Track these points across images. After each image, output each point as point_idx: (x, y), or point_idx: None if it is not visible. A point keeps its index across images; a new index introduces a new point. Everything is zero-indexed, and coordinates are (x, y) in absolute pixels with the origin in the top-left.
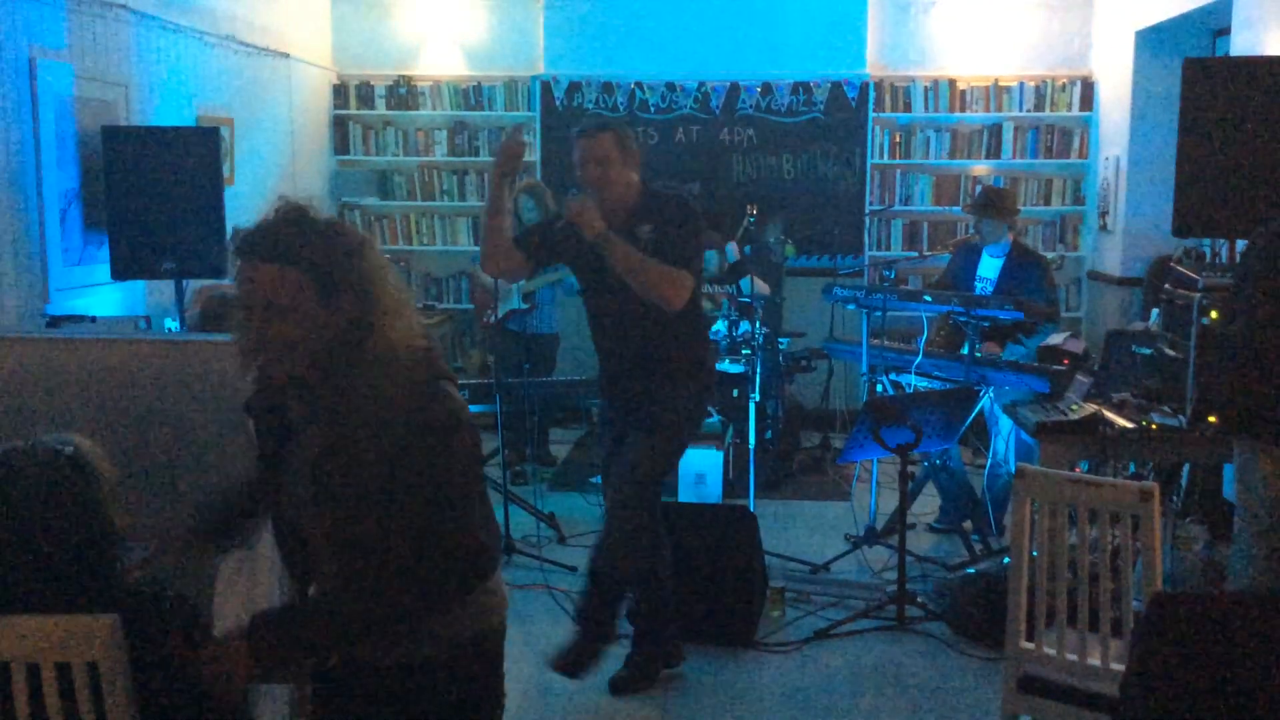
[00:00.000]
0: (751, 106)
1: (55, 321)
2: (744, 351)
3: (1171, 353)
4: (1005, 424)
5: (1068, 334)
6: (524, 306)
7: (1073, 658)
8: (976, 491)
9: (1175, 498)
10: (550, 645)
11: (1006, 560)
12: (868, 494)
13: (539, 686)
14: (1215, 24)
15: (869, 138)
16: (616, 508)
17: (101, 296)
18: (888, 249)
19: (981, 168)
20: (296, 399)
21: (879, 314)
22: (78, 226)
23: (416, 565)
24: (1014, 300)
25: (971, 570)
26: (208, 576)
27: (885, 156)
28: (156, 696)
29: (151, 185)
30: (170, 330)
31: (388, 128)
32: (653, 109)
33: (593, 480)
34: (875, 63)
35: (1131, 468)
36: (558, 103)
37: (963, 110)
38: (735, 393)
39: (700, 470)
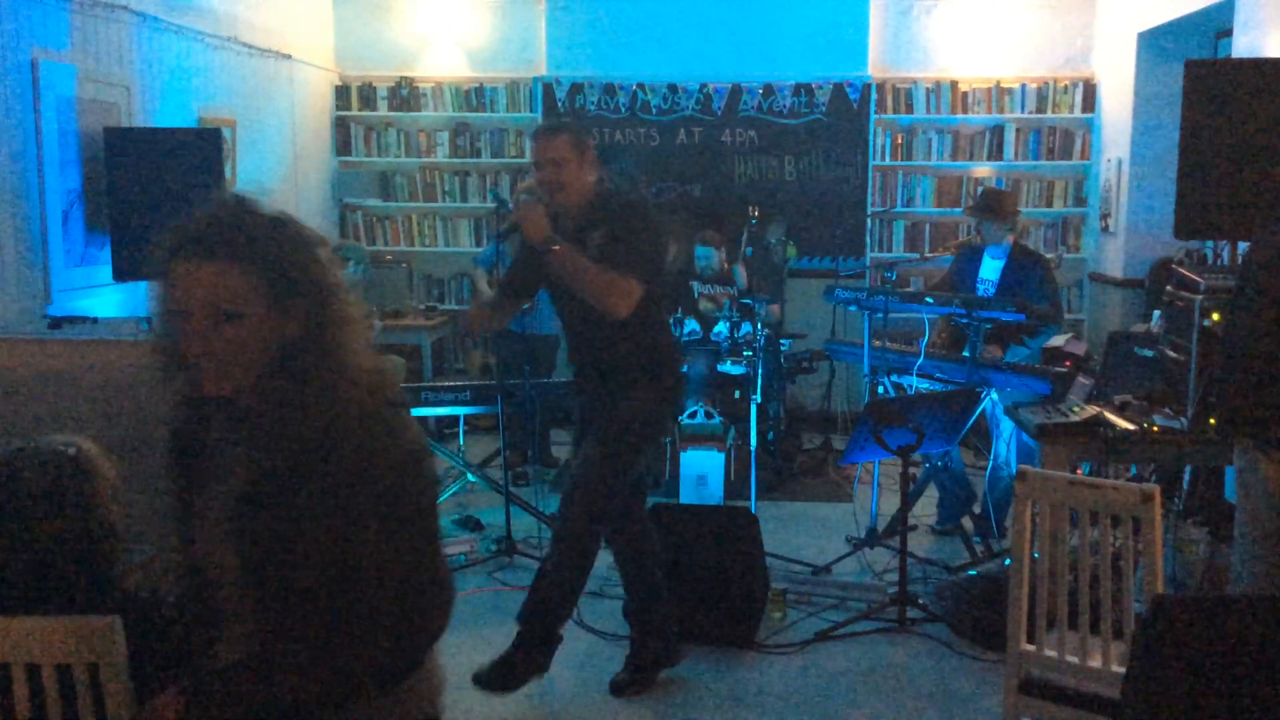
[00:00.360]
0: (753, 108)
1: (57, 323)
2: (745, 353)
3: (1173, 355)
4: (1007, 426)
5: (1069, 336)
6: (525, 307)
7: (1074, 660)
8: (977, 493)
9: (1177, 500)
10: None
11: (1008, 562)
12: (869, 496)
13: (539, 687)
14: (1217, 26)
15: (871, 139)
16: (560, 516)
17: (103, 298)
18: (889, 250)
19: (983, 169)
20: (224, 419)
21: (880, 315)
22: (79, 228)
23: (356, 631)
24: (1016, 302)
25: (973, 572)
26: None
27: (887, 158)
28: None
29: (153, 186)
30: None
31: (389, 129)
32: (654, 110)
33: None
34: (877, 64)
35: (1133, 470)
36: (559, 104)
37: (964, 112)
38: (737, 394)
39: (702, 472)
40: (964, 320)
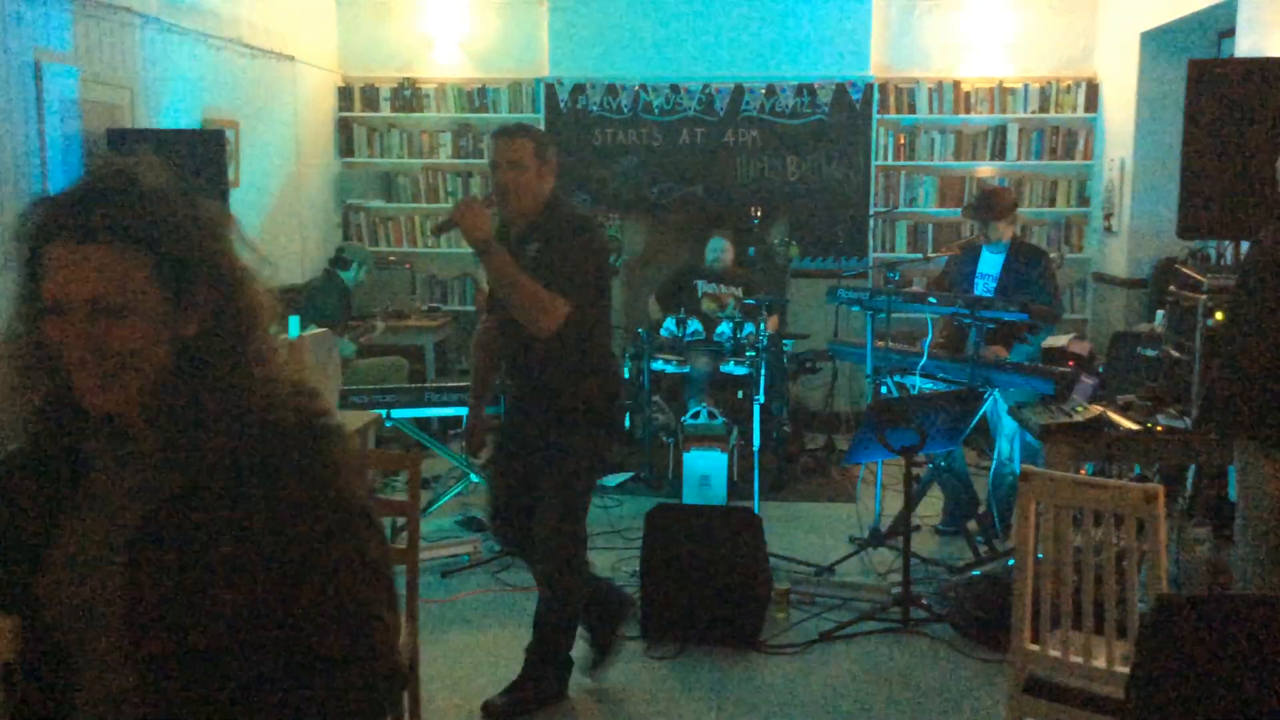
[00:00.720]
0: (756, 108)
1: None
2: (749, 354)
3: (1177, 354)
4: (1010, 426)
5: (1073, 335)
6: None
7: (1078, 660)
8: (980, 493)
9: (1180, 500)
10: None
11: (1011, 562)
12: (872, 496)
13: None
14: (1220, 26)
15: (873, 139)
16: (542, 568)
17: None
18: (892, 251)
19: (986, 169)
20: (106, 437)
21: (883, 316)
22: None
23: (266, 711)
24: (1019, 302)
25: (976, 572)
26: None
27: (890, 158)
28: None
29: None
30: None
31: (392, 130)
32: (657, 111)
33: (599, 483)
34: (880, 64)
35: (1137, 470)
36: (562, 105)
37: (967, 112)
38: (740, 395)
39: (705, 472)
40: (967, 320)
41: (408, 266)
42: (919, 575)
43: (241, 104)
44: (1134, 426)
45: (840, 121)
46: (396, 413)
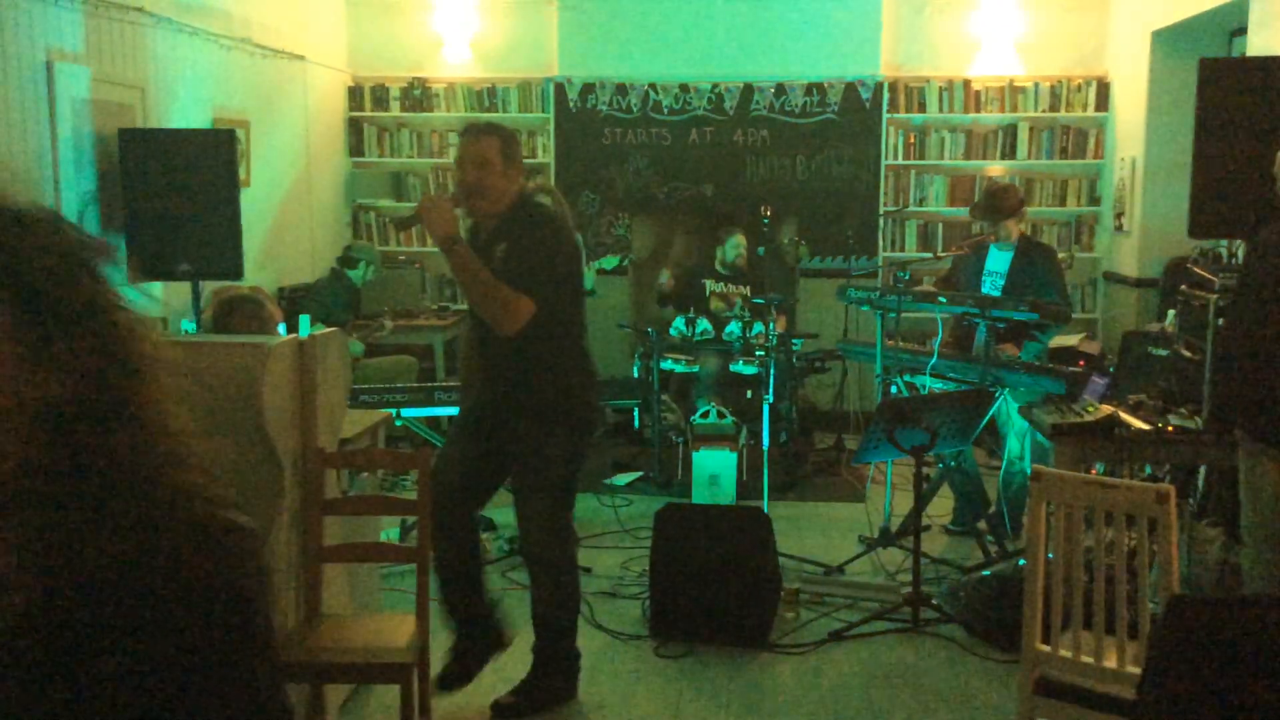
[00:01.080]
0: (765, 107)
1: None
2: (758, 353)
3: (1188, 354)
4: (1020, 425)
5: (1083, 335)
6: None
7: (1089, 660)
8: (990, 493)
9: (1192, 500)
10: None
11: (1022, 562)
12: (882, 495)
13: None
14: (1231, 24)
15: (883, 138)
16: (536, 570)
17: None
18: (901, 250)
19: (996, 168)
20: None
21: (893, 315)
22: (94, 229)
23: None
24: (1028, 300)
25: (987, 572)
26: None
27: (899, 157)
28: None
29: (168, 188)
30: (186, 332)
31: (402, 129)
32: (666, 110)
33: (608, 483)
34: (889, 63)
35: (1148, 470)
36: (572, 104)
37: (978, 111)
38: (749, 394)
39: (714, 472)
40: (977, 320)
41: (418, 266)
42: (929, 575)
43: (252, 104)
44: (1145, 426)
45: (850, 121)
46: (406, 411)
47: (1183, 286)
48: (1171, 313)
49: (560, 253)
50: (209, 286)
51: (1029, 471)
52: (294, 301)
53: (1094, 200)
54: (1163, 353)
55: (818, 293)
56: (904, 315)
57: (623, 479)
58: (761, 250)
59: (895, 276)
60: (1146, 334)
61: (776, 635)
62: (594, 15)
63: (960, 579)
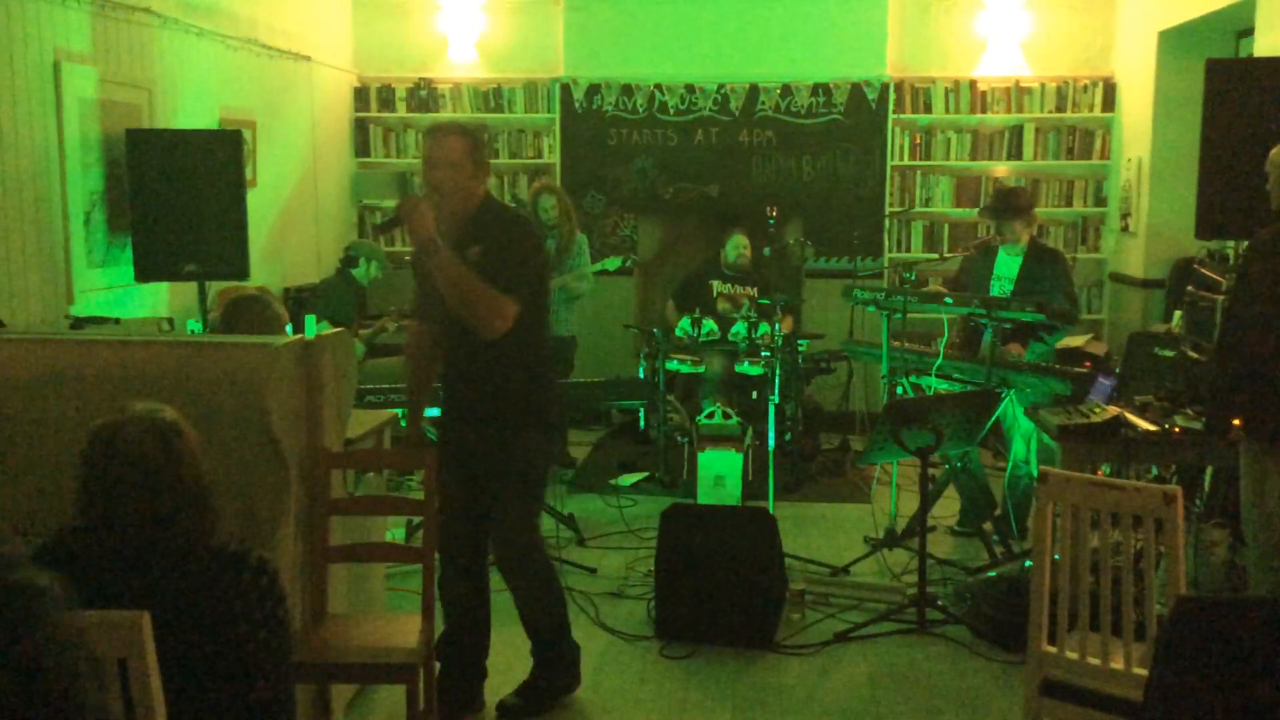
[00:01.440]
0: (771, 108)
1: (79, 323)
2: (763, 354)
3: (1194, 355)
4: (1026, 426)
5: (1089, 336)
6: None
7: (1095, 662)
8: (996, 494)
9: (1198, 501)
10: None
11: (1028, 563)
12: (888, 496)
13: None
14: (1238, 25)
15: (889, 139)
16: (517, 579)
17: (125, 298)
18: (907, 251)
19: (1002, 169)
20: None
21: (899, 316)
22: (102, 229)
23: None
24: (1034, 302)
25: (993, 574)
26: None
27: (905, 158)
28: (217, 654)
29: (175, 188)
30: (193, 332)
31: (408, 130)
32: (672, 111)
33: (614, 483)
34: (895, 64)
35: (1154, 471)
36: (577, 105)
37: (984, 111)
38: (754, 395)
39: (719, 472)
40: (984, 321)
41: None
42: (935, 576)
43: (258, 104)
44: (1151, 427)
45: (856, 121)
46: None
47: (1189, 287)
48: (1178, 314)
49: (535, 253)
50: (215, 287)
51: (1034, 473)
52: (299, 302)
53: (1100, 201)
54: (1169, 354)
55: (823, 293)
56: (910, 316)
57: (628, 479)
58: (767, 251)
59: (901, 277)
60: (1153, 335)
61: (782, 636)
62: (600, 16)
63: (966, 580)
